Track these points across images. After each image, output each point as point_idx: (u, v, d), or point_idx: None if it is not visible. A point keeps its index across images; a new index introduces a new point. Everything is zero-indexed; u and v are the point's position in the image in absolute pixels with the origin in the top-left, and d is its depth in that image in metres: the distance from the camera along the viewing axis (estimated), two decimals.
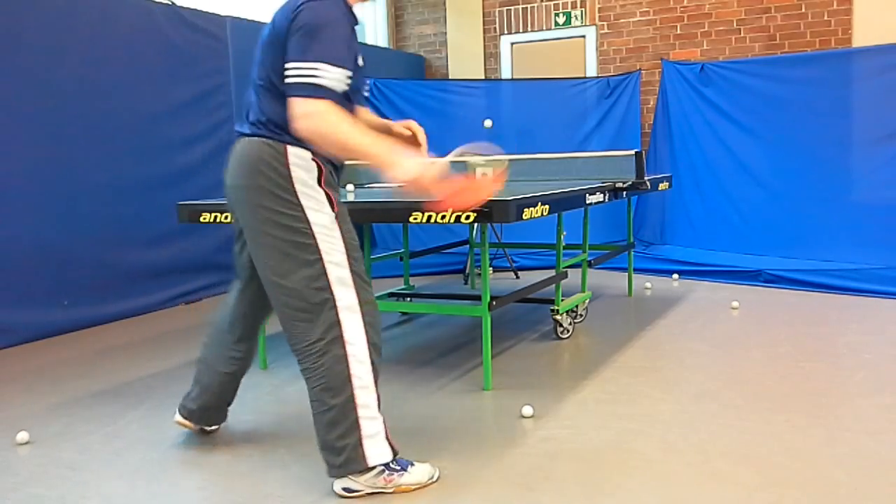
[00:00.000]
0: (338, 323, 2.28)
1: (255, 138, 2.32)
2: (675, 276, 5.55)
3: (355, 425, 2.29)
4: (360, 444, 2.29)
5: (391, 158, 2.21)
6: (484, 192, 2.33)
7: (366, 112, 2.70)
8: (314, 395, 2.32)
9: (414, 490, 2.38)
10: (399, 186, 2.25)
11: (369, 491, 2.34)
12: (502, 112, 7.40)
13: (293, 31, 2.19)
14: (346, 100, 2.29)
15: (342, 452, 2.29)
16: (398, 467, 2.37)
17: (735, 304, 4.97)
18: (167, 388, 3.54)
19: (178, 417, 2.83)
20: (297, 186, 2.28)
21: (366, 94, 2.71)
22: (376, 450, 2.31)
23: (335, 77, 2.17)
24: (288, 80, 2.18)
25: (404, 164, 2.21)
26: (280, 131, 2.28)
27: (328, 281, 2.28)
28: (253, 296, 2.65)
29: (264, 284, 2.38)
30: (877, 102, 6.00)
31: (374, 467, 2.32)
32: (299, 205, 2.28)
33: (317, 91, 2.15)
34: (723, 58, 7.10)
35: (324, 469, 2.42)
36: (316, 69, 2.15)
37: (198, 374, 2.78)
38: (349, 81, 2.24)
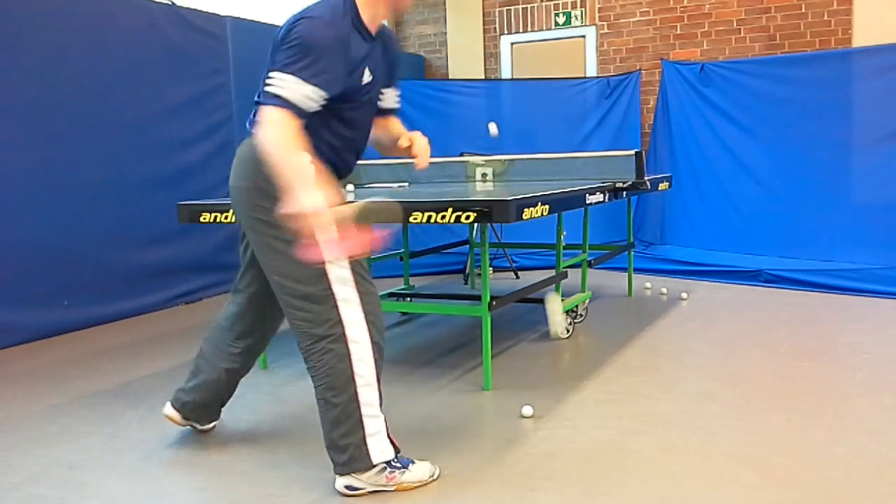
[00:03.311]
0: (340, 322, 2.29)
1: (253, 140, 2.34)
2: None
3: (359, 424, 2.31)
4: (364, 443, 2.31)
5: (296, 187, 2.12)
6: (363, 247, 2.17)
7: (394, 122, 2.72)
8: (319, 394, 2.34)
9: (415, 488, 2.38)
10: (282, 214, 2.16)
11: (371, 489, 2.35)
12: (502, 112, 7.39)
13: (285, 41, 2.22)
14: (342, 119, 2.37)
15: (346, 451, 2.31)
16: (399, 465, 2.38)
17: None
18: (167, 388, 3.53)
19: (169, 410, 2.83)
20: None
21: (392, 105, 2.70)
22: (379, 448, 2.33)
23: (300, 92, 2.17)
24: (264, 88, 2.22)
25: (303, 197, 2.11)
26: None
27: (328, 280, 2.28)
28: (255, 293, 2.68)
29: (270, 283, 2.41)
30: (877, 102, 6.00)
31: (376, 465, 2.33)
32: None
33: (274, 100, 2.17)
34: (723, 58, 7.10)
35: (323, 468, 2.43)
36: (281, 80, 2.17)
37: (195, 368, 2.80)
38: (324, 102, 2.24)
